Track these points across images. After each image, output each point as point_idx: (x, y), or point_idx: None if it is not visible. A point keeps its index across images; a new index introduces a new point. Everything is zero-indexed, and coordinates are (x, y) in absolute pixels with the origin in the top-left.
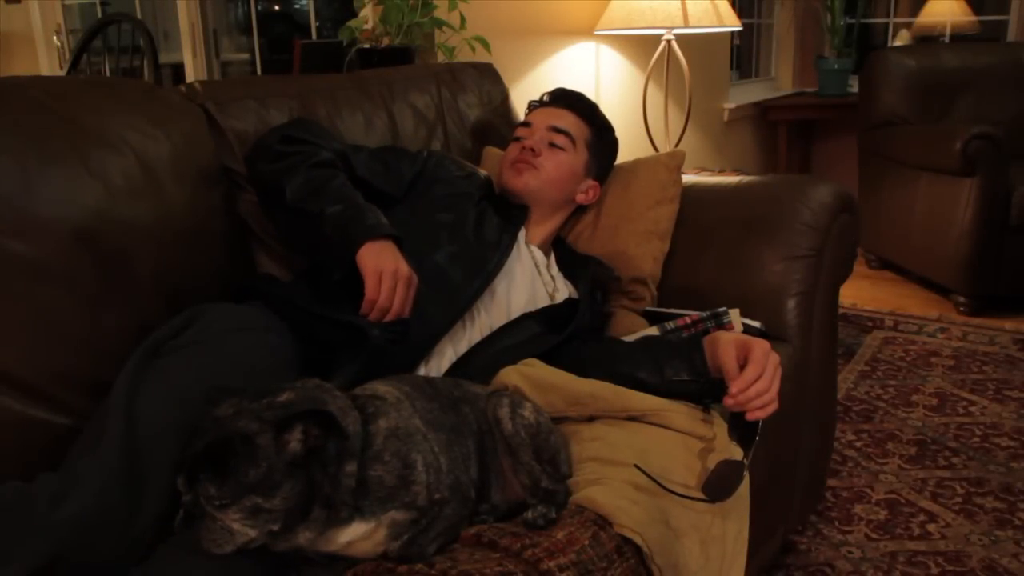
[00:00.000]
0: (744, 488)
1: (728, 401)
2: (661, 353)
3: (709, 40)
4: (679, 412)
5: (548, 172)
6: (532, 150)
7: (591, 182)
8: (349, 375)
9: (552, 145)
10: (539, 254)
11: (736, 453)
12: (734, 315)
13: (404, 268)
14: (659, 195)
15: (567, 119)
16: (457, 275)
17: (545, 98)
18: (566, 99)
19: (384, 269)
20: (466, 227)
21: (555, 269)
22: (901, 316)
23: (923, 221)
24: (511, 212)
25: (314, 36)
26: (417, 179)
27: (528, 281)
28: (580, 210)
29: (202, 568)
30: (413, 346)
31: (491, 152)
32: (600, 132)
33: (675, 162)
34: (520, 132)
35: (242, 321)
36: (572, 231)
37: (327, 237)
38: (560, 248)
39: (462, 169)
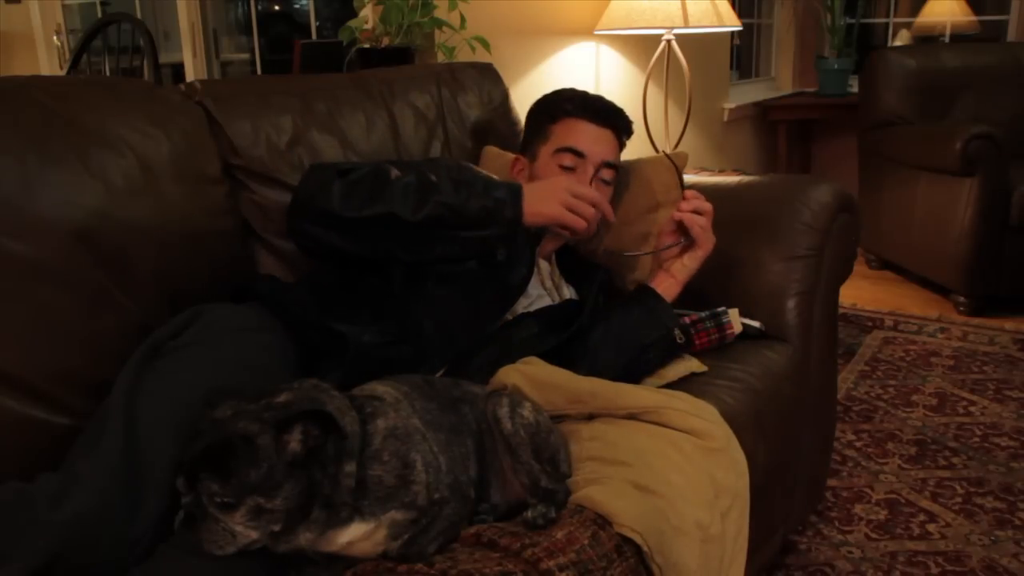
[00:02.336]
0: (744, 488)
1: (676, 215)
2: (631, 337)
3: (709, 40)
4: (678, 411)
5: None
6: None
7: None
8: (333, 381)
9: (602, 181)
10: (544, 263)
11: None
12: (733, 315)
13: (563, 183)
14: (663, 196)
15: (615, 150)
16: (486, 301)
17: (591, 106)
18: (615, 121)
19: (561, 202)
20: (498, 252)
21: (557, 275)
22: (901, 316)
23: (923, 221)
24: (527, 231)
25: (314, 36)
26: None
27: (534, 290)
28: None
29: (202, 568)
30: (422, 357)
31: (491, 152)
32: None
33: (678, 163)
34: (571, 161)
35: (242, 321)
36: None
37: (476, 224)
38: (564, 253)
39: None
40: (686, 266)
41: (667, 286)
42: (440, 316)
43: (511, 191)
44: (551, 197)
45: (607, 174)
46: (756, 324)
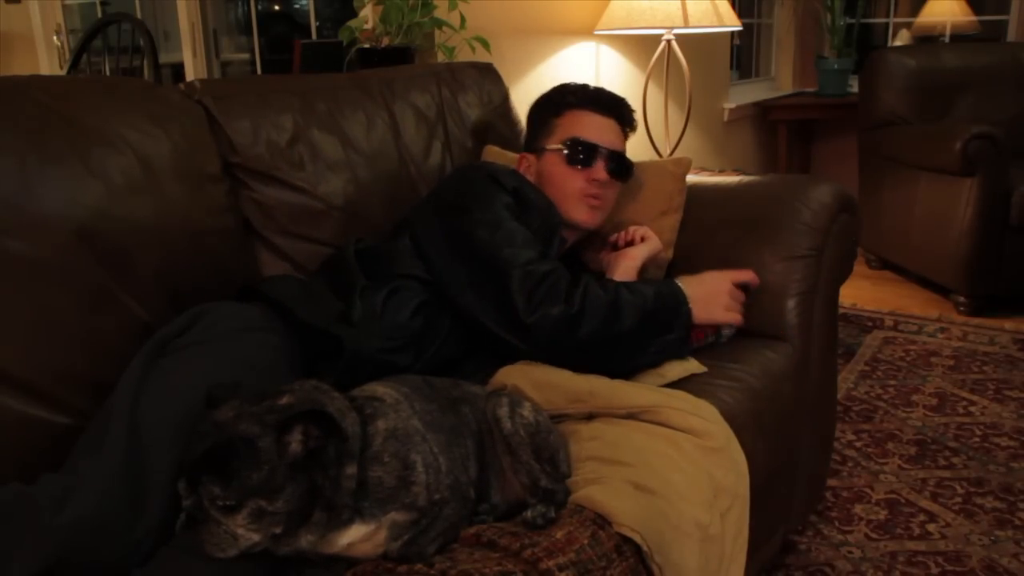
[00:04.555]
0: (744, 488)
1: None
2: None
3: (709, 40)
4: (678, 410)
5: (609, 204)
6: (602, 182)
7: None
8: (329, 382)
9: (618, 176)
10: None
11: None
12: None
13: (724, 285)
14: (665, 205)
15: (622, 141)
16: None
17: (595, 96)
18: (619, 111)
19: (720, 305)
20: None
21: None
22: (901, 316)
23: (923, 221)
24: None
25: (314, 36)
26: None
27: None
28: None
29: (203, 570)
30: (423, 361)
31: (492, 151)
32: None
33: (681, 170)
34: (580, 153)
35: (245, 321)
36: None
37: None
38: (568, 257)
39: (536, 193)
40: (648, 248)
41: (625, 271)
42: (457, 331)
43: (675, 289)
44: (717, 303)
45: (617, 169)
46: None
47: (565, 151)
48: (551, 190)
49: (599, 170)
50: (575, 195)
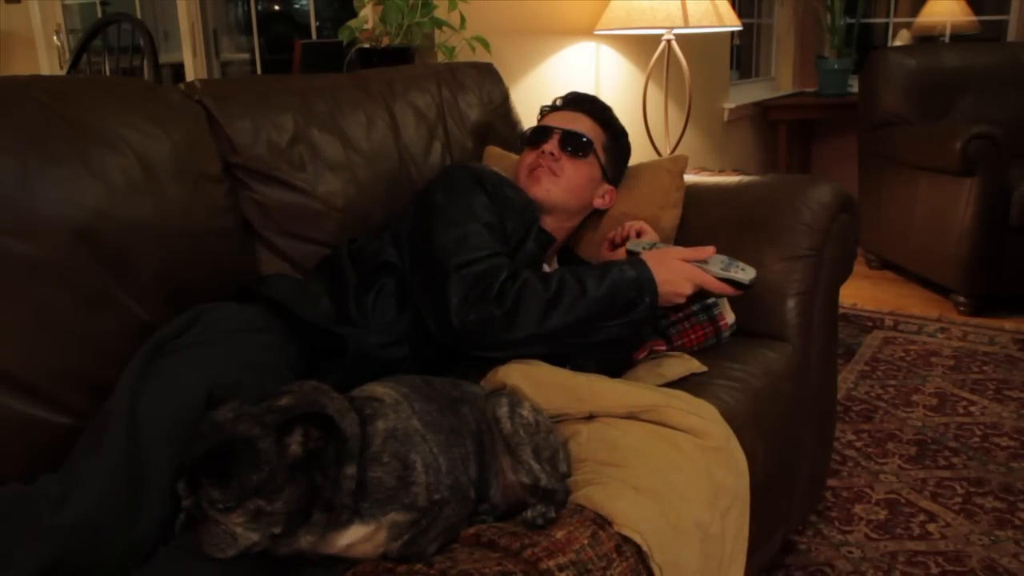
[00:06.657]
0: (744, 487)
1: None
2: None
3: (709, 40)
4: (678, 409)
5: (568, 178)
6: (552, 154)
7: (608, 187)
8: (331, 382)
9: (570, 150)
10: (545, 267)
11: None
12: (723, 304)
13: (685, 270)
14: (662, 200)
15: (583, 123)
16: None
17: (558, 102)
18: (580, 103)
19: (686, 286)
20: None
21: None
22: (901, 316)
23: (923, 221)
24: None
25: (314, 36)
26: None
27: None
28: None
29: (203, 570)
30: (426, 362)
31: (493, 152)
32: (615, 135)
33: (678, 167)
34: (534, 140)
35: (245, 321)
36: (574, 234)
37: (619, 312)
38: (565, 252)
39: (515, 191)
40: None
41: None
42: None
43: (642, 278)
44: (679, 275)
45: (575, 143)
46: (743, 278)
47: (524, 136)
48: (518, 179)
49: (545, 144)
50: (525, 171)
